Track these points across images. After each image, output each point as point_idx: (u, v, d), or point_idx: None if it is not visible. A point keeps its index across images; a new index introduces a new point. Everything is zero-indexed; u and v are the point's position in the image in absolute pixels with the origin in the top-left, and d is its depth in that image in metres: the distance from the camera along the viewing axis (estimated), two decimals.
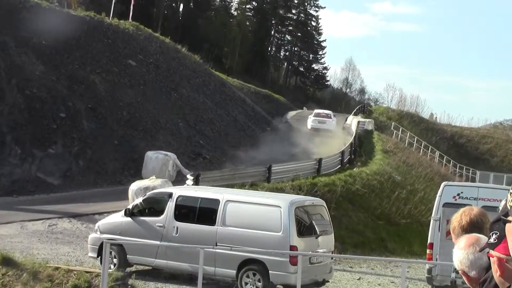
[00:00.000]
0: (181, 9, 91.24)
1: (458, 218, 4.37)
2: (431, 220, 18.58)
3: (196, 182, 26.06)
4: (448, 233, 17.66)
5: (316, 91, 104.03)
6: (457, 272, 15.64)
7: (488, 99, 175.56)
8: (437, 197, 18.74)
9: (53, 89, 38.01)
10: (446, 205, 18.31)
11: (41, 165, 33.49)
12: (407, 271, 21.02)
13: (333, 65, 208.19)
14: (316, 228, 17.09)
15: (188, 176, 27.57)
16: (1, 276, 15.41)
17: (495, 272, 3.04)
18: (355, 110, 68.10)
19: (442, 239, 17.82)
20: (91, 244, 18.19)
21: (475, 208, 4.44)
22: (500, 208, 2.22)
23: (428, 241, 18.37)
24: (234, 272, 16.51)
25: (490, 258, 3.13)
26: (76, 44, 42.87)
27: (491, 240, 3.19)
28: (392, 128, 62.17)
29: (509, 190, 2.14)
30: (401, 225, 33.63)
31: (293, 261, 15.87)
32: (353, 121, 57.59)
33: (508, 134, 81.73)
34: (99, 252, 17.21)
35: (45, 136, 35.03)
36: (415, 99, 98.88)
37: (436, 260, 17.76)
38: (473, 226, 4.24)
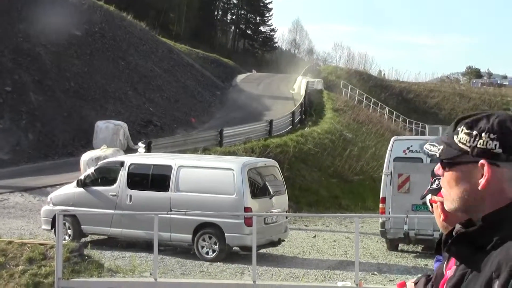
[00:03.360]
0: None
1: None
2: (383, 175, 18.85)
3: (148, 149, 25.98)
4: (400, 187, 18.02)
5: (264, 54, 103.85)
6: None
7: (436, 55, 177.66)
8: (388, 152, 19.01)
9: None
10: (396, 159, 18.60)
11: None
12: (361, 226, 21.33)
13: (281, 27, 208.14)
14: (270, 189, 17.21)
15: (140, 143, 27.43)
16: None
17: (438, 217, 3.10)
18: (303, 70, 68.22)
19: (394, 193, 18.11)
20: (44, 217, 18.04)
21: None
22: (439, 152, 2.24)
23: (381, 196, 18.65)
24: (190, 236, 16.55)
25: (433, 204, 3.19)
26: (19, 16, 41.98)
27: (434, 186, 3.25)
28: (341, 87, 62.49)
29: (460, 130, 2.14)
30: (354, 182, 34.03)
31: (248, 222, 15.95)
32: (302, 81, 57.73)
33: (455, 87, 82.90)
34: (53, 224, 17.06)
35: None
36: (363, 57, 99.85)
37: (389, 214, 18.06)
38: None
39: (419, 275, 3.45)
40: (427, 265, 16.75)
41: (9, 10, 40.97)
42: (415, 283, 2.97)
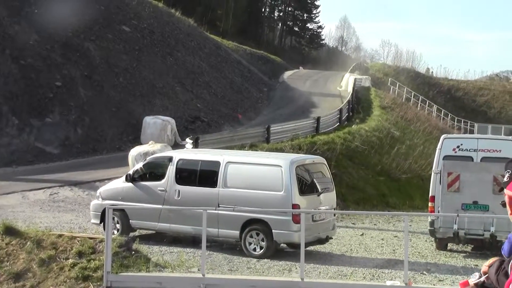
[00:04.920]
0: None
1: None
2: (432, 174, 18.60)
3: (196, 145, 26.05)
4: (449, 185, 17.75)
5: (311, 51, 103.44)
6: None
7: (484, 51, 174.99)
8: (437, 150, 18.74)
9: (47, 58, 37.76)
10: (446, 157, 18.33)
11: (39, 134, 33.42)
12: (410, 225, 21.08)
13: (328, 24, 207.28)
14: (318, 186, 17.10)
15: (187, 139, 27.54)
16: (5, 246, 15.42)
17: (509, 209, 2.99)
18: (351, 68, 67.82)
19: (443, 192, 17.86)
20: (93, 211, 18.20)
21: None
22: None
23: (430, 194, 18.42)
24: (237, 232, 16.54)
25: (506, 197, 3.08)
26: (69, 11, 42.46)
27: (505, 178, 3.14)
28: (389, 84, 62.00)
29: None
30: (401, 180, 33.72)
31: (296, 219, 15.91)
32: (349, 78, 57.36)
33: (505, 85, 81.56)
34: (102, 218, 17.22)
35: (42, 105, 34.90)
36: (411, 54, 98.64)
37: (438, 213, 17.81)
38: None
39: (493, 259, 3.35)
40: (477, 265, 16.47)
41: (58, 6, 41.47)
42: (489, 266, 2.91)
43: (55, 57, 38.24)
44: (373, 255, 17.66)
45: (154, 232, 17.96)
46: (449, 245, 18.79)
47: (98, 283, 13.88)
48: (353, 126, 38.67)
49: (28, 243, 15.30)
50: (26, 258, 14.97)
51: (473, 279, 3.58)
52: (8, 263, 15.04)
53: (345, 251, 17.94)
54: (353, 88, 51.29)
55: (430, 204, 18.40)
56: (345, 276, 14.77)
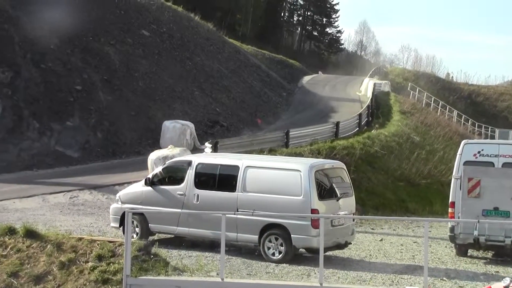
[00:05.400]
0: None
1: None
2: (452, 179, 18.49)
3: (215, 149, 26.08)
4: (470, 191, 17.64)
5: (330, 55, 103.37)
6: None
7: (505, 56, 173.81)
8: (458, 156, 18.64)
9: (68, 62, 38.00)
10: (467, 163, 18.22)
11: (60, 138, 33.62)
12: (429, 231, 20.96)
13: (347, 28, 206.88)
14: (337, 191, 17.05)
15: (206, 143, 27.59)
16: (25, 248, 15.53)
17: None
18: (370, 72, 67.67)
19: (463, 198, 17.75)
20: (112, 215, 18.25)
21: None
22: None
23: (450, 200, 18.31)
24: (256, 237, 16.51)
25: None
26: (89, 16, 42.74)
27: None
28: (408, 89, 61.79)
29: None
30: (421, 186, 33.58)
31: (315, 224, 15.87)
32: (369, 83, 57.22)
33: None
34: (121, 222, 17.27)
35: (62, 109, 35.11)
36: (431, 59, 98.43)
37: (459, 218, 17.70)
38: None
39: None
40: (498, 272, 16.35)
41: (78, 11, 41.74)
42: None
43: (75, 61, 38.47)
44: (392, 260, 17.58)
45: (172, 236, 17.98)
46: (470, 251, 18.66)
47: (118, 286, 13.94)
48: (372, 131, 38.55)
49: (49, 246, 15.40)
50: (47, 261, 15.07)
51: (505, 283, 3.57)
52: (29, 266, 15.14)
53: (364, 257, 17.87)
54: (373, 93, 51.17)
55: (450, 210, 18.29)
56: (364, 282, 14.71)
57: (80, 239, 15.58)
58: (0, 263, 15.37)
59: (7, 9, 37.25)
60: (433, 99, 60.54)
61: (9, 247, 15.72)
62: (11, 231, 16.14)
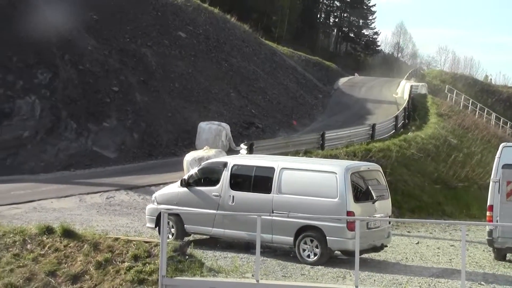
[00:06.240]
0: None
1: None
2: (491, 182, 18.24)
3: (250, 151, 26.08)
4: (509, 194, 17.40)
5: (367, 57, 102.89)
6: None
7: None
8: (496, 159, 18.38)
9: (105, 63, 38.33)
10: (505, 166, 17.97)
11: (97, 139, 33.93)
12: (467, 234, 20.74)
13: (384, 30, 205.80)
14: (373, 193, 16.95)
15: (242, 145, 27.60)
16: (63, 248, 15.68)
17: None
18: (407, 75, 67.19)
19: (502, 201, 17.53)
20: (148, 215, 18.34)
21: None
22: None
23: (488, 203, 18.07)
24: (291, 239, 16.47)
25: None
26: (126, 17, 43.08)
27: None
28: (446, 91, 61.22)
29: None
30: (458, 189, 33.22)
31: (351, 226, 15.80)
32: (405, 85, 56.82)
33: None
34: (157, 223, 17.35)
35: (99, 110, 35.42)
36: (469, 61, 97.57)
37: (497, 222, 17.47)
38: None
39: None
40: None
41: (115, 12, 42.09)
42: None
43: (112, 63, 38.79)
44: (428, 264, 17.41)
45: (207, 237, 18.01)
46: (508, 256, 18.40)
47: (154, 286, 14.00)
48: (409, 134, 38.27)
49: (86, 245, 15.53)
50: (84, 261, 15.20)
51: None
52: (66, 265, 15.29)
53: (400, 260, 17.73)
54: (409, 95, 50.78)
55: (488, 213, 18.06)
56: (400, 285, 14.58)
57: (117, 239, 15.69)
58: (38, 262, 15.55)
59: (45, 11, 37.67)
60: (471, 101, 59.92)
61: (47, 246, 15.89)
62: (49, 231, 16.31)
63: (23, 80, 34.14)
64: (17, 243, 16.19)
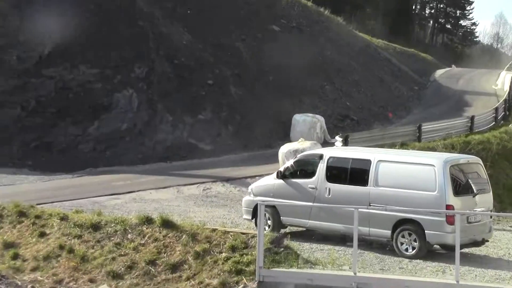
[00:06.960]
0: None
1: None
2: None
3: (345, 143, 25.91)
4: None
5: (464, 48, 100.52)
6: None
7: None
8: None
9: (200, 57, 38.82)
10: None
11: (192, 131, 34.41)
12: None
13: (482, 21, 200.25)
14: (473, 187, 16.50)
15: (337, 137, 27.44)
16: (162, 238, 16.00)
17: None
18: (508, 66, 65.19)
19: None
20: (245, 207, 18.41)
21: None
22: None
23: None
24: (389, 232, 16.24)
25: None
26: (219, 12, 43.46)
27: None
28: None
29: None
30: None
31: (450, 220, 15.45)
32: (506, 76, 55.19)
33: None
34: (253, 214, 17.40)
35: (195, 103, 35.91)
36: None
37: None
38: None
39: None
40: None
41: (209, 7, 42.54)
42: None
43: (207, 57, 39.24)
44: None
45: (303, 229, 17.97)
46: None
47: (251, 277, 14.09)
48: (510, 126, 37.16)
49: (184, 236, 15.79)
50: (182, 251, 15.46)
51: None
52: (165, 255, 15.59)
53: (503, 255, 17.21)
54: (510, 87, 49.26)
55: None
56: (504, 281, 14.16)
57: (214, 230, 15.88)
58: (138, 251, 15.92)
59: (141, 6, 38.45)
60: None
61: (147, 236, 16.26)
62: (149, 221, 16.67)
63: (121, 74, 34.96)
64: (118, 232, 16.63)
